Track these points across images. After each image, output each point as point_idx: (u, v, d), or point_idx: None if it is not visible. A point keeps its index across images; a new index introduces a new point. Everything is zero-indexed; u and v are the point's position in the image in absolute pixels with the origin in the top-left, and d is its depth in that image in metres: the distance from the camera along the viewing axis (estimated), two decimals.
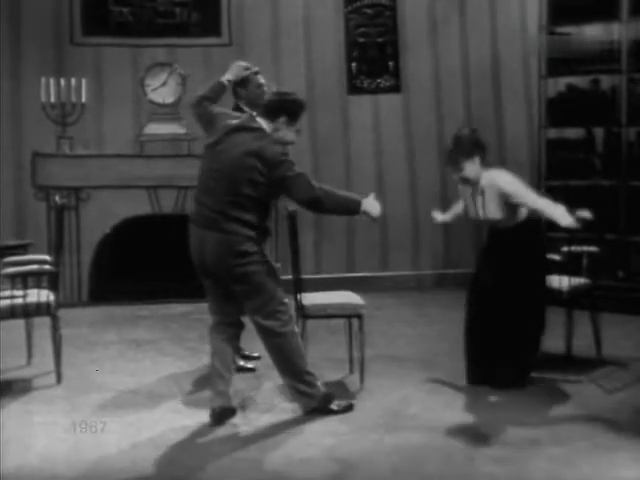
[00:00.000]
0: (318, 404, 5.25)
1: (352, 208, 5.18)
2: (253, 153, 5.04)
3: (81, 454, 4.69)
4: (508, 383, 5.75)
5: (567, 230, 5.71)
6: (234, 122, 5.24)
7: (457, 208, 6.30)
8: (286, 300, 5.24)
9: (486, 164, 5.85)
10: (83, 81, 8.78)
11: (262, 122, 5.18)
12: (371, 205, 5.17)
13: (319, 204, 5.12)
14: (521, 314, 5.83)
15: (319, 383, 5.29)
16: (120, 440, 4.88)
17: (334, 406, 5.28)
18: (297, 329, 5.38)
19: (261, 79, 6.32)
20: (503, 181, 5.75)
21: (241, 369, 6.18)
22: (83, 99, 8.77)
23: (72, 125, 8.83)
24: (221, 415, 5.16)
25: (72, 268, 8.80)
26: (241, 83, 6.26)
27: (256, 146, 5.06)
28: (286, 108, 5.20)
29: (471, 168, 5.75)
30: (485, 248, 6.13)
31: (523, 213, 5.83)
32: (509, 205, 5.74)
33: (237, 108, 6.28)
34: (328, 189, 5.15)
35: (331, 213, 5.36)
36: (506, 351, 5.82)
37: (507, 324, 5.82)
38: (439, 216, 6.37)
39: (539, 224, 5.89)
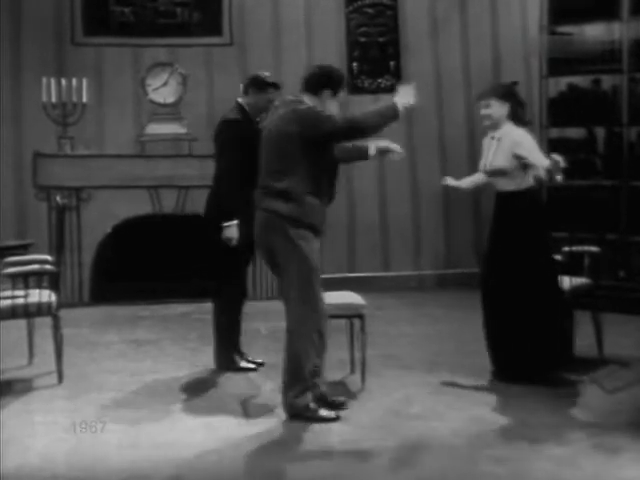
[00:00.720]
0: (300, 412, 5.08)
1: (390, 115, 5.09)
2: (291, 119, 5.02)
3: (81, 454, 4.68)
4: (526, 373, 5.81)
5: (568, 229, 5.74)
6: (279, 113, 5.20)
7: (477, 178, 6.30)
8: (317, 301, 5.07)
9: (517, 121, 5.94)
10: (84, 81, 8.78)
11: (307, 98, 5.15)
12: (403, 96, 5.09)
13: (357, 131, 5.05)
14: (531, 288, 5.82)
15: (309, 395, 5.11)
16: (120, 440, 4.87)
17: (320, 413, 5.09)
18: (317, 335, 5.10)
19: (276, 97, 5.99)
20: (518, 133, 5.86)
21: (242, 369, 6.18)
22: (84, 99, 8.78)
23: (73, 125, 8.83)
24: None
25: (73, 268, 8.80)
26: (260, 87, 6.12)
27: (291, 111, 5.06)
28: (328, 81, 5.17)
29: (496, 109, 5.91)
30: (494, 217, 6.11)
31: (529, 181, 5.89)
32: (518, 162, 5.81)
33: (238, 106, 6.20)
34: (358, 114, 5.09)
35: (375, 132, 5.11)
36: (522, 333, 5.82)
37: (519, 302, 5.83)
38: (451, 180, 6.35)
39: (540, 194, 6.09)
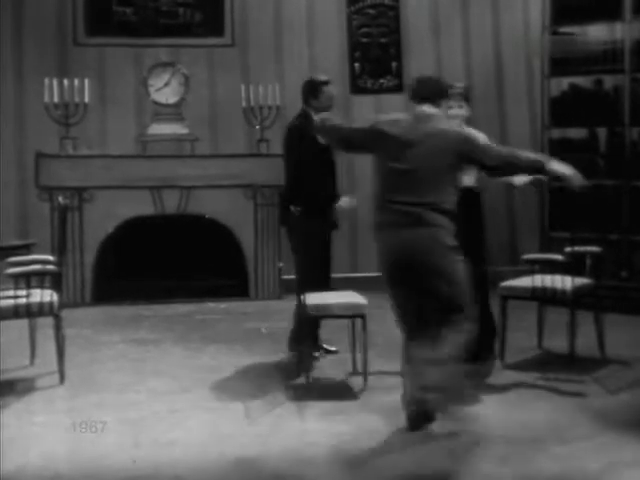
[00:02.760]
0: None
1: (536, 166, 5.11)
2: (448, 141, 5.03)
3: (83, 454, 4.68)
4: None
5: (570, 229, 5.76)
6: (428, 128, 5.08)
7: None
8: (468, 307, 5.06)
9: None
10: (86, 81, 8.77)
11: (432, 109, 5.11)
12: (561, 166, 5.07)
13: (505, 169, 5.20)
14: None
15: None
16: (121, 440, 4.87)
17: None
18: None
19: (333, 90, 6.50)
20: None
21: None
22: (86, 99, 8.77)
23: (75, 125, 8.82)
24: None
25: (75, 268, 8.80)
26: (313, 93, 6.43)
27: (444, 132, 5.06)
28: (442, 90, 5.21)
29: (465, 112, 6.05)
30: None
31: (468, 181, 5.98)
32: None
33: (304, 114, 6.36)
34: (511, 154, 5.13)
35: (517, 172, 5.45)
36: None
37: None
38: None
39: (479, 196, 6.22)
